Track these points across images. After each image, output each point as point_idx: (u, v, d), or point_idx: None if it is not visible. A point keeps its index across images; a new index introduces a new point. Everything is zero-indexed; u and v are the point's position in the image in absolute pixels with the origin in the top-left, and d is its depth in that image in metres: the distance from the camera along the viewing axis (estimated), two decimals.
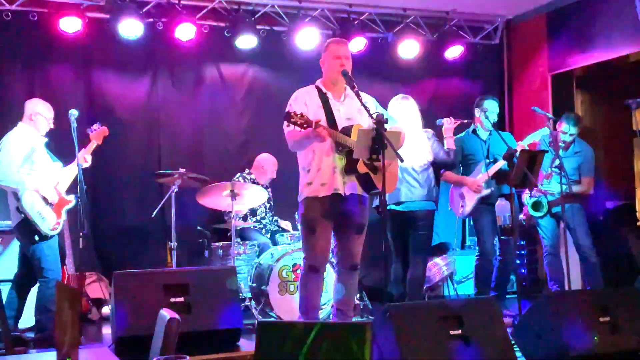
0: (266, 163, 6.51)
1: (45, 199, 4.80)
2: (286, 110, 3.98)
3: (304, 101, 4.22)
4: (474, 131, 5.69)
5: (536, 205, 5.70)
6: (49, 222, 4.81)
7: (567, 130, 5.64)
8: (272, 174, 6.51)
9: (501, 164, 5.39)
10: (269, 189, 6.49)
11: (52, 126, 5.04)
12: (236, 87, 7.09)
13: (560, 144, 5.62)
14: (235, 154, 6.99)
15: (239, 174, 6.44)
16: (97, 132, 5.21)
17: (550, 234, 5.75)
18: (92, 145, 5.16)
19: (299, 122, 3.87)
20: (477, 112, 5.65)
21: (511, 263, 5.94)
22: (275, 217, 6.62)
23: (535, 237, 7.17)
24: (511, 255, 5.84)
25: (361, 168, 4.11)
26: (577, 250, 5.68)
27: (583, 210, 5.73)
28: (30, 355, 3.22)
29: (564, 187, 5.18)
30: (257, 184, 6.34)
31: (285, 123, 3.99)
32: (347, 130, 4.13)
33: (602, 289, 5.39)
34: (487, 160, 5.54)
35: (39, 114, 4.95)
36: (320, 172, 4.16)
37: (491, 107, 5.58)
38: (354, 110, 4.26)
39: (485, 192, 5.47)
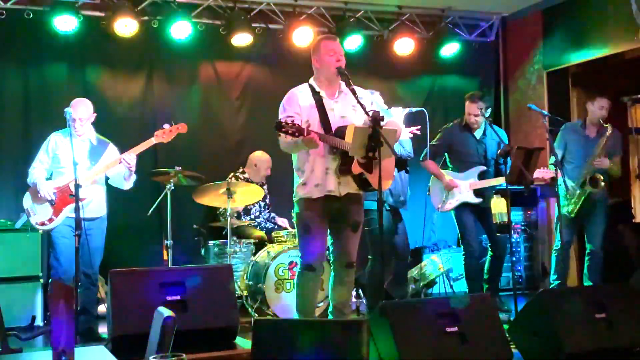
0: (259, 161, 6.49)
1: (36, 196, 4.87)
2: (277, 120, 3.91)
3: (296, 101, 4.17)
4: (466, 126, 5.56)
5: (594, 181, 5.55)
6: (37, 217, 4.92)
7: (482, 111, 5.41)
8: (266, 171, 6.48)
9: (495, 182, 5.37)
10: (265, 186, 6.48)
11: (85, 125, 4.91)
12: (232, 85, 7.08)
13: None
14: (231, 151, 6.98)
15: (232, 174, 6.42)
16: (167, 130, 4.99)
17: (571, 230, 5.76)
18: (148, 143, 4.97)
19: (290, 131, 3.80)
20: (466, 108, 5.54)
21: (505, 260, 5.93)
22: (273, 214, 6.61)
23: (533, 234, 7.20)
24: (505, 251, 5.81)
25: (355, 169, 4.06)
26: (589, 241, 5.75)
27: (605, 211, 5.78)
28: (26, 354, 3.21)
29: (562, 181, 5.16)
30: (251, 182, 6.32)
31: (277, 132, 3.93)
32: (341, 131, 4.06)
33: (597, 285, 5.42)
34: (485, 168, 5.51)
35: (69, 112, 4.82)
36: (314, 174, 4.13)
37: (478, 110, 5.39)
38: (349, 107, 4.21)
39: (475, 200, 5.44)
